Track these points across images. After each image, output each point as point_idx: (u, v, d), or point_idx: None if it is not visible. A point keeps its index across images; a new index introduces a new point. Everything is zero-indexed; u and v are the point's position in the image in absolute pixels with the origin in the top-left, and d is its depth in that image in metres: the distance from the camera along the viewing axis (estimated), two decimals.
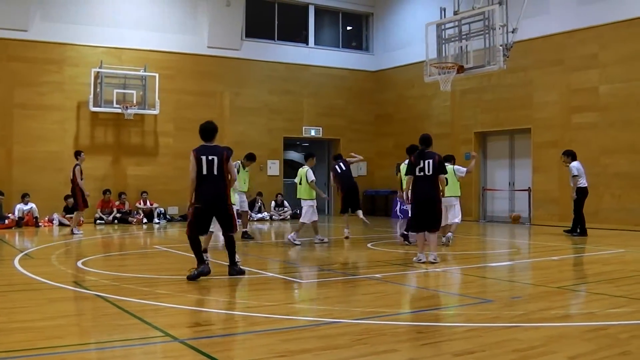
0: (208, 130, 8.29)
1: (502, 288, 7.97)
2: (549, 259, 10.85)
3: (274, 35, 22.40)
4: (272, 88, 21.95)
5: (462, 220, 12.72)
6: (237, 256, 8.66)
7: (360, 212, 13.75)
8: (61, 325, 5.76)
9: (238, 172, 13.55)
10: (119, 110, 18.94)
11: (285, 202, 21.27)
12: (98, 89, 18.93)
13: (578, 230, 14.39)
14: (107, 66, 19.11)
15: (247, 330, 5.59)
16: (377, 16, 24.00)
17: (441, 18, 16.10)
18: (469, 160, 13.74)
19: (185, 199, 8.47)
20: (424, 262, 9.58)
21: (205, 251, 9.05)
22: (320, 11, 23.43)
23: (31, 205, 17.48)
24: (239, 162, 13.78)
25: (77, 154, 15.61)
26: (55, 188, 18.09)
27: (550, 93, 17.90)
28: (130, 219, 18.72)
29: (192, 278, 7.88)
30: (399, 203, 21.01)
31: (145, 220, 18.91)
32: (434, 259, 9.55)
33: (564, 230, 14.75)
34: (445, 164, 12.12)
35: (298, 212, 21.18)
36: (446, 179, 12.02)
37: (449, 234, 12.23)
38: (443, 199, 12.11)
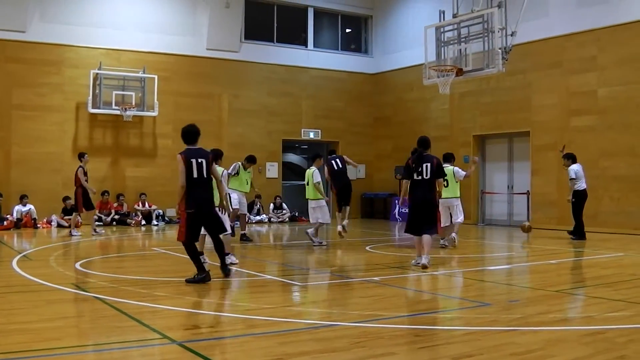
0: (192, 133, 8.22)
1: (500, 291, 7.98)
2: (547, 262, 10.85)
3: (273, 37, 22.40)
4: (271, 90, 21.95)
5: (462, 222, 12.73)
6: (232, 257, 8.63)
7: (346, 219, 13.67)
8: (59, 327, 5.76)
9: (238, 173, 13.63)
10: (118, 112, 18.93)
11: (284, 205, 21.26)
12: (97, 91, 18.92)
13: (572, 235, 14.36)
14: (106, 68, 19.10)
15: (245, 333, 5.58)
16: (376, 19, 24.02)
17: (440, 21, 16.11)
18: (468, 163, 13.78)
19: (175, 203, 8.35)
20: (420, 265, 9.55)
21: (202, 254, 9.04)
22: (319, 13, 23.44)
23: (29, 206, 17.46)
24: (239, 163, 13.81)
25: (81, 156, 15.60)
26: (54, 189, 18.08)
27: (549, 96, 17.91)
28: (128, 220, 18.71)
29: (191, 282, 7.86)
30: (397, 206, 21.03)
31: (143, 222, 18.89)
32: (427, 263, 9.38)
33: (568, 232, 14.67)
34: (446, 165, 12.21)
35: (297, 214, 21.36)
36: (446, 180, 12.07)
37: (453, 234, 12.26)
38: (444, 200, 12.22)
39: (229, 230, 9.84)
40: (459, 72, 15.16)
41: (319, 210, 13.05)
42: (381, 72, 23.59)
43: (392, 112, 23.05)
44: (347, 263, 11.02)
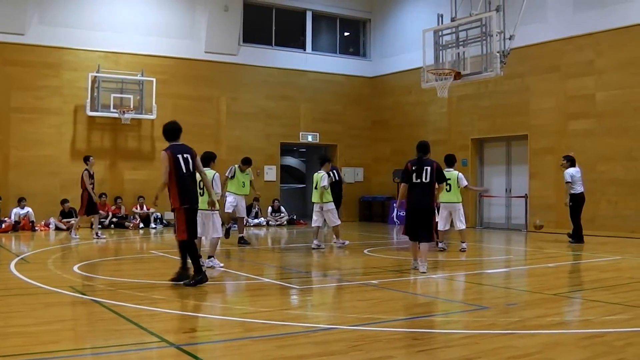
0: (175, 130, 8.28)
1: (498, 295, 7.98)
2: (545, 265, 10.86)
3: (272, 40, 22.41)
4: (269, 93, 21.96)
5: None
6: (215, 261, 8.54)
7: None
8: (57, 330, 5.76)
9: (234, 176, 13.61)
10: (116, 115, 18.93)
11: (282, 208, 21.26)
12: (95, 94, 18.92)
13: (571, 238, 14.37)
14: (105, 70, 19.10)
15: (243, 336, 5.58)
16: (375, 22, 24.05)
17: (438, 24, 16.13)
18: (466, 166, 13.78)
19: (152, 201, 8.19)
20: (415, 269, 9.51)
21: (200, 257, 9.03)
22: (317, 17, 23.47)
23: (27, 209, 17.44)
24: (235, 166, 13.80)
25: (86, 159, 15.51)
26: (52, 192, 18.08)
27: (547, 100, 17.94)
28: (126, 223, 18.69)
29: (189, 284, 7.86)
30: (395, 209, 21.03)
31: (141, 225, 18.88)
32: (424, 270, 9.33)
33: (567, 234, 14.68)
34: (449, 169, 12.28)
35: (295, 217, 21.36)
36: (449, 184, 12.10)
37: (464, 244, 12.39)
38: (446, 204, 12.25)
39: (220, 234, 9.88)
40: (457, 75, 15.19)
41: (329, 213, 13.10)
42: (379, 76, 23.62)
43: (390, 116, 23.07)
44: (345, 266, 11.02)
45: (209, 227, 9.69)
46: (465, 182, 12.55)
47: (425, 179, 9.46)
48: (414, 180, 9.49)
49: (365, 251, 12.64)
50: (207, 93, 20.82)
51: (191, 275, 8.01)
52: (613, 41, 16.52)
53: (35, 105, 18.40)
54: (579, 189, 14.33)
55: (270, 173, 21.84)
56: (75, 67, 18.91)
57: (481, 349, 5.05)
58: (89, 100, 18.78)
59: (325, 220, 13.24)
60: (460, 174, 12.57)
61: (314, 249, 12.84)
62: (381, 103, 23.46)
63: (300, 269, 10.55)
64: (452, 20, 15.77)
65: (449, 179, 12.16)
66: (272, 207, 21.12)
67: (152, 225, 19.04)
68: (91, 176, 15.24)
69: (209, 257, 9.83)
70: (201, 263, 8.36)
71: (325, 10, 23.33)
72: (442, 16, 16.13)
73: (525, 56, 17.75)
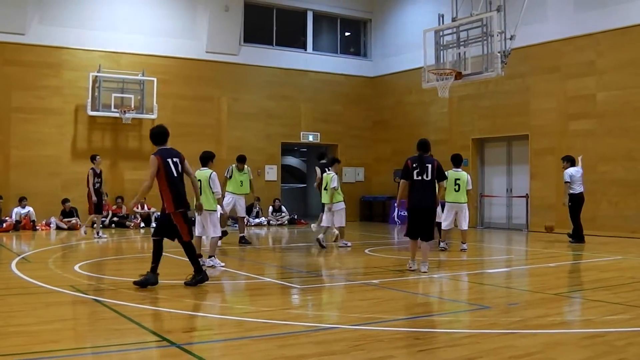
0: (162, 134, 8.26)
1: (500, 294, 7.97)
2: (546, 265, 10.86)
3: (272, 40, 22.41)
4: (270, 93, 21.96)
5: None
6: (215, 260, 8.50)
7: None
8: (58, 329, 5.76)
9: (232, 176, 13.57)
10: (117, 115, 18.93)
11: (283, 208, 21.26)
12: (96, 93, 18.92)
13: (571, 238, 14.36)
14: (105, 70, 19.10)
15: (244, 336, 5.58)
16: (375, 22, 24.05)
17: (439, 24, 16.13)
18: (467, 166, 13.77)
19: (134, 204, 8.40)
20: (413, 270, 9.41)
21: (200, 256, 9.04)
22: (318, 17, 23.47)
23: (28, 208, 17.44)
24: (233, 166, 13.75)
25: (92, 158, 15.52)
26: (53, 192, 18.08)
27: (547, 100, 17.94)
28: (127, 223, 18.70)
29: (190, 284, 7.86)
30: (396, 208, 21.03)
31: (142, 224, 18.88)
32: (425, 270, 9.31)
33: (568, 234, 14.68)
34: (458, 169, 12.33)
35: (296, 217, 21.35)
36: (458, 184, 12.13)
37: (464, 245, 12.40)
38: (453, 204, 12.25)
39: (219, 233, 9.91)
40: (458, 75, 15.19)
41: (337, 214, 13.10)
42: (380, 76, 23.61)
43: (391, 116, 23.06)
44: (346, 266, 11.01)
45: (209, 227, 9.70)
46: (471, 186, 12.63)
47: (427, 176, 9.41)
48: (415, 177, 9.44)
49: (366, 251, 12.64)
50: (207, 93, 20.82)
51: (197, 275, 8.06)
52: (614, 41, 16.51)
53: (36, 105, 18.40)
54: (577, 189, 14.32)
55: (271, 173, 21.84)
56: (76, 67, 18.91)
57: (482, 348, 5.04)
58: (89, 100, 18.78)
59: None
60: (469, 176, 12.62)
61: (317, 240, 12.89)
62: (382, 103, 23.45)
63: (301, 269, 10.55)
64: (453, 20, 15.77)
65: (458, 179, 12.20)
66: (273, 206, 21.12)
67: (153, 224, 19.00)
68: (98, 175, 15.25)
69: (210, 256, 9.84)
70: (202, 263, 8.36)
71: (326, 10, 23.32)
72: (442, 16, 16.13)
73: (526, 56, 17.74)
